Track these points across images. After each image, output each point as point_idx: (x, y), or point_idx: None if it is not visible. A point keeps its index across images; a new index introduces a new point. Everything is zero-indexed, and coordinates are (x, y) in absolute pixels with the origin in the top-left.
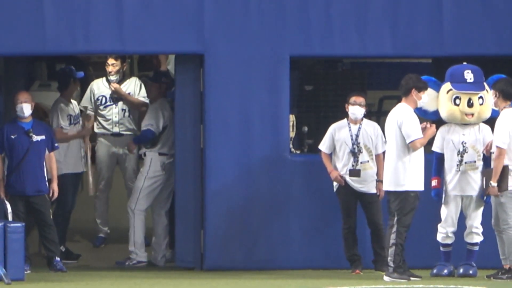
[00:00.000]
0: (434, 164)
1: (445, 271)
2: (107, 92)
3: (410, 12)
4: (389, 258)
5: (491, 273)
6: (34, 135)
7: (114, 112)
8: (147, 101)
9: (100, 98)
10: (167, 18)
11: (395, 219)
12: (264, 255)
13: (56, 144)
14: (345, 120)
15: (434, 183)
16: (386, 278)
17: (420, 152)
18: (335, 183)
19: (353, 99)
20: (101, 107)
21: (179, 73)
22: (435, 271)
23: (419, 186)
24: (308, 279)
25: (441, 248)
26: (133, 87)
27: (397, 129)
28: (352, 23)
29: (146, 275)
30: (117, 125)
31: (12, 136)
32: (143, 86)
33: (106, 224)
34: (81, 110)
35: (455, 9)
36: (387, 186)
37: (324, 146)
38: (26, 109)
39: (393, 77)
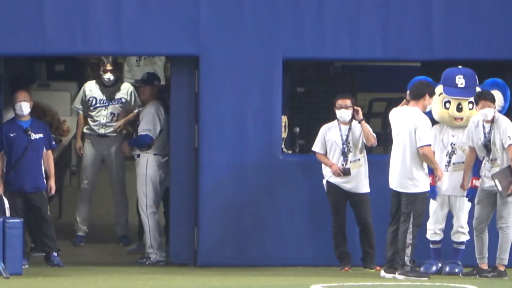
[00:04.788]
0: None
1: (433, 268)
2: (97, 94)
3: (400, 17)
4: (406, 258)
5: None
6: (32, 133)
7: (103, 114)
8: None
9: (90, 99)
10: (164, 20)
11: (411, 220)
12: (256, 253)
13: (53, 143)
14: (335, 121)
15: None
16: (400, 276)
17: None
18: (325, 183)
19: (338, 102)
20: (91, 108)
21: (175, 74)
22: (422, 269)
23: (428, 186)
24: (298, 276)
25: (430, 245)
26: (126, 95)
27: (412, 133)
28: (344, 28)
29: (140, 271)
30: (104, 127)
31: (11, 134)
32: (134, 92)
33: (85, 223)
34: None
35: (445, 14)
36: (400, 187)
37: (317, 147)
38: (25, 107)
39: (382, 80)
